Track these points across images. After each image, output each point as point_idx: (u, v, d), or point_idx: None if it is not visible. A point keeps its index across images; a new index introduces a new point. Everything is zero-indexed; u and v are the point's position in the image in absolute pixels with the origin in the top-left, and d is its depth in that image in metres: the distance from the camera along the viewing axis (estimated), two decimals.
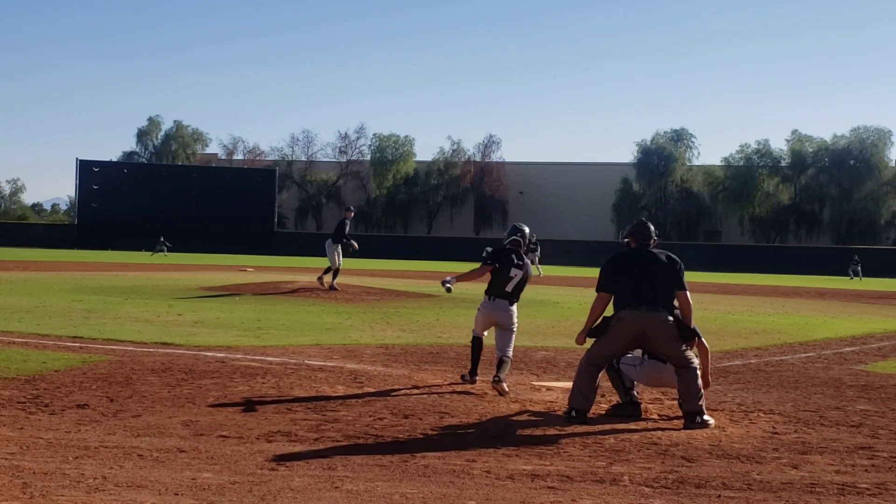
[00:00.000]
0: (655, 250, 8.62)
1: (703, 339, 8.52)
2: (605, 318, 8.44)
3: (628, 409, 8.52)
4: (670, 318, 8.29)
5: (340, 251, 24.36)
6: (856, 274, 58.76)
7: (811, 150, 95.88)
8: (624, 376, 8.63)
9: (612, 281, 8.52)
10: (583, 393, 8.28)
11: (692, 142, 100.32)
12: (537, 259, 44.19)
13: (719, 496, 5.68)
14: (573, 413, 8.18)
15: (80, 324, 14.71)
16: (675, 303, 8.40)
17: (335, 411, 8.14)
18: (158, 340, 12.73)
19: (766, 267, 67.91)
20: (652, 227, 8.74)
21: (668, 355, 8.36)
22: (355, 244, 24.62)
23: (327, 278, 24.14)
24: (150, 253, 61.70)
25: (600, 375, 8.49)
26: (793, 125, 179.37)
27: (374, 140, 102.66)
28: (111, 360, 10.81)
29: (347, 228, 24.68)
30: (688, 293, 8.40)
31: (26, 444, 6.48)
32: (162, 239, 63.41)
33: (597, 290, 8.61)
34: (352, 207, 26.82)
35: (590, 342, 8.57)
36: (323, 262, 26.58)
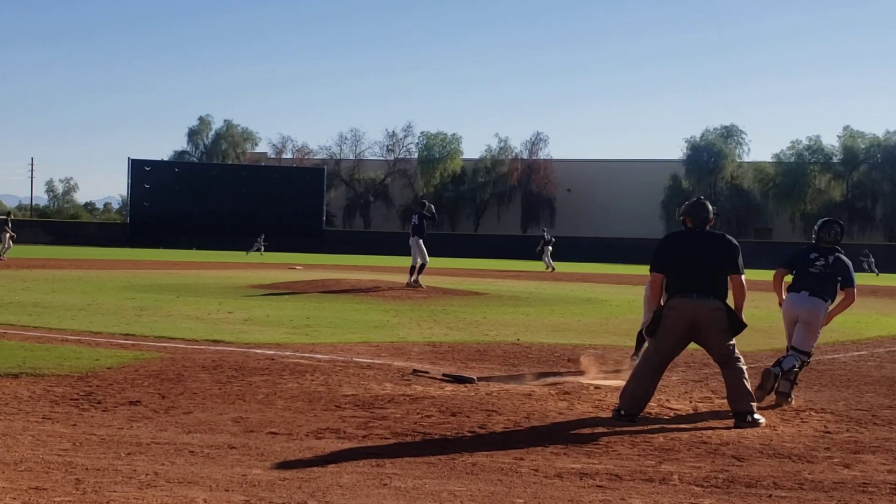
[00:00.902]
0: (713, 231, 8.39)
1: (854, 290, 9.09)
2: (656, 311, 8.25)
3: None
4: (722, 307, 8.08)
5: (423, 246, 24.84)
6: (871, 268, 58.26)
7: (863, 146, 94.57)
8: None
9: (667, 261, 8.26)
10: (635, 395, 8.03)
11: (742, 138, 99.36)
12: (550, 253, 46.86)
13: (770, 496, 5.63)
14: (622, 412, 8.00)
15: (132, 321, 14.88)
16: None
17: (383, 409, 8.17)
18: (209, 338, 12.85)
19: None
20: (711, 207, 8.46)
21: (713, 347, 8.19)
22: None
23: (417, 276, 24.52)
24: (246, 252, 63.08)
25: (663, 376, 8.35)
26: (845, 121, 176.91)
27: (421, 138, 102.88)
28: (163, 357, 10.93)
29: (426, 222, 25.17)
30: (743, 278, 8.18)
31: (79, 441, 6.56)
32: (263, 237, 65.16)
33: (651, 271, 8.40)
34: (426, 202, 27.09)
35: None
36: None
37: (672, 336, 8.15)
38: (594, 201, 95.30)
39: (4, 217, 41.83)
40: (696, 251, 8.17)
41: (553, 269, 44.95)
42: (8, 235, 39.87)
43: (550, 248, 47.26)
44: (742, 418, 7.91)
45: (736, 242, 8.29)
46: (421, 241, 25.00)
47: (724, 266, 8.15)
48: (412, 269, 24.91)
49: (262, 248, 64.75)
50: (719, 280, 8.15)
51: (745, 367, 8.18)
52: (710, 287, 8.06)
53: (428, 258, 25.02)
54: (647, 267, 8.61)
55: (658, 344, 8.22)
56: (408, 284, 24.47)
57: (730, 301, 8.26)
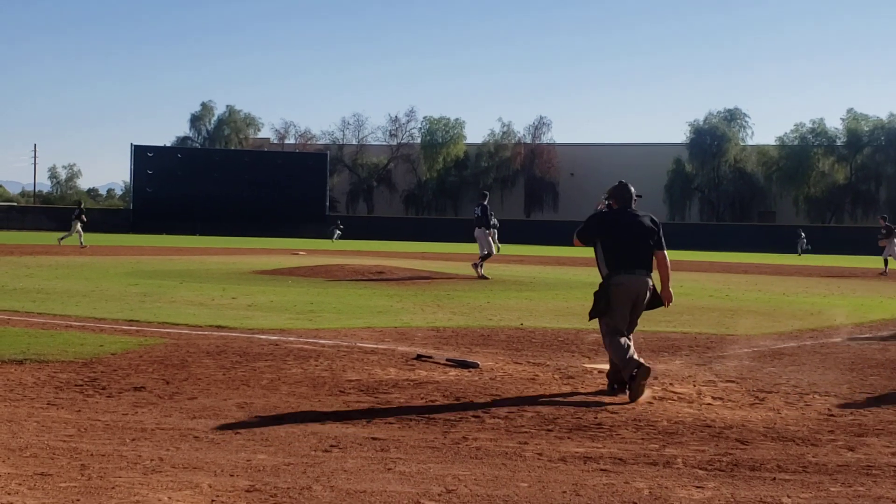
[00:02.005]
0: (639, 212, 8.95)
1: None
2: (600, 288, 8.70)
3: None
4: (651, 283, 8.74)
5: (493, 235, 25.05)
6: (803, 249, 63.42)
7: (867, 128, 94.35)
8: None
9: (595, 235, 8.88)
10: (626, 356, 8.42)
11: (746, 122, 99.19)
12: (496, 235, 49.04)
13: (774, 479, 5.64)
14: (615, 387, 8.55)
15: (136, 307, 14.90)
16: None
17: (387, 394, 8.18)
18: (213, 323, 12.86)
19: (821, 247, 67.10)
20: (633, 189, 8.96)
21: (634, 319, 8.80)
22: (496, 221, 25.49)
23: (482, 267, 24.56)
24: (331, 240, 65.03)
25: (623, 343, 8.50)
26: (848, 104, 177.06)
27: (424, 123, 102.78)
28: (167, 343, 10.94)
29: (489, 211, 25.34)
30: (666, 253, 8.82)
31: (84, 427, 6.58)
32: (338, 222, 67.32)
33: (576, 236, 9.06)
34: (487, 192, 27.20)
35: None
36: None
37: (622, 308, 8.67)
38: (598, 185, 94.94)
39: (77, 207, 42.68)
40: (632, 229, 8.74)
41: (499, 249, 47.18)
42: (80, 224, 40.72)
43: (496, 231, 50.09)
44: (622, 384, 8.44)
45: (658, 221, 8.92)
46: (486, 231, 25.08)
47: (653, 244, 8.75)
48: (482, 258, 24.88)
49: (339, 233, 67.12)
50: (650, 257, 8.77)
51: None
52: (645, 263, 8.71)
53: (494, 247, 25.03)
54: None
55: (613, 318, 8.66)
56: (480, 276, 24.39)
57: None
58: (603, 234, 8.80)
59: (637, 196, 8.99)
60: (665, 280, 8.86)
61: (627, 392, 8.26)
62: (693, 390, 8.75)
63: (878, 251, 36.85)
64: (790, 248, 65.85)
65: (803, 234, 67.01)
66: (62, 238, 41.44)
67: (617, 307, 8.63)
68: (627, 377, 8.30)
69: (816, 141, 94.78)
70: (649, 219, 8.85)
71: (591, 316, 8.84)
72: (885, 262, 34.22)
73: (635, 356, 8.35)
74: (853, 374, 9.98)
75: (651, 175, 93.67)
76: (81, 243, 39.98)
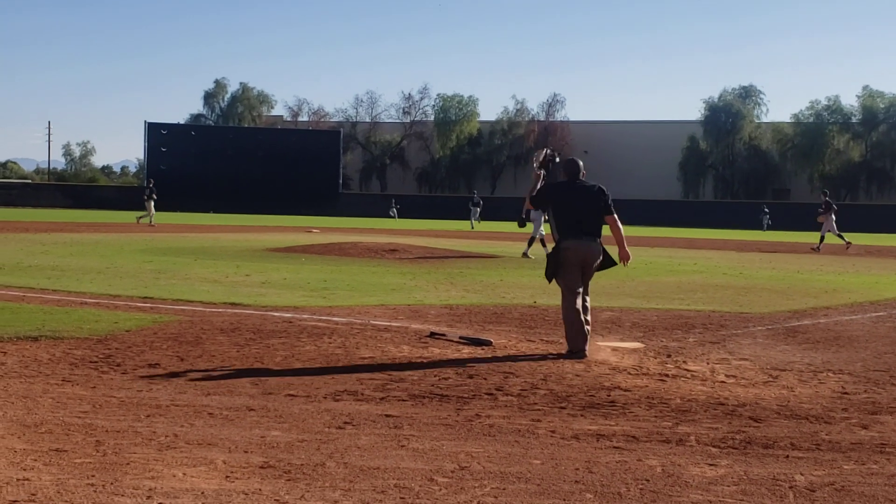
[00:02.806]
0: (587, 183, 9.72)
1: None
2: (553, 252, 9.58)
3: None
4: (601, 247, 9.49)
5: (474, 214, 24.95)
6: (768, 225, 66.59)
7: (883, 105, 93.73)
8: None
9: (547, 200, 9.88)
10: (576, 334, 9.21)
11: (761, 99, 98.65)
12: (478, 214, 54.21)
13: (787, 456, 5.63)
14: (572, 351, 9.18)
15: (150, 284, 14.95)
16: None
17: (401, 371, 8.20)
18: (227, 301, 12.90)
19: (836, 225, 66.63)
20: (581, 164, 9.83)
21: (586, 282, 9.60)
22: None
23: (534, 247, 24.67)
24: (393, 216, 67.47)
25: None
26: (864, 81, 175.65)
27: (437, 100, 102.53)
28: (181, 320, 10.98)
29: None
30: (616, 216, 9.58)
31: (99, 403, 6.61)
32: (394, 200, 69.09)
33: (530, 200, 10.06)
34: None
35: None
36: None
37: (572, 271, 9.44)
38: (611, 163, 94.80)
39: (148, 186, 43.23)
40: (580, 199, 9.55)
41: (472, 227, 50.63)
42: (152, 203, 41.22)
43: (479, 208, 54.57)
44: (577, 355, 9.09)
45: (606, 189, 9.63)
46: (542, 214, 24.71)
47: (602, 210, 9.54)
48: (533, 240, 24.73)
49: (396, 210, 69.14)
50: (600, 223, 9.55)
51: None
52: (594, 230, 9.48)
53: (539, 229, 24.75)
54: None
55: (565, 282, 9.45)
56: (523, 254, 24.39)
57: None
58: (554, 202, 9.70)
59: (584, 171, 9.84)
60: (620, 241, 9.63)
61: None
62: (706, 368, 8.74)
63: (895, 229, 37.37)
64: (805, 225, 65.54)
65: (767, 210, 69.57)
66: (140, 217, 42.00)
67: (567, 269, 9.41)
68: (567, 350, 9.23)
69: (832, 118, 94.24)
70: (597, 188, 9.58)
71: (548, 277, 9.61)
72: (822, 238, 34.63)
73: (581, 339, 9.16)
74: (867, 352, 9.96)
75: (665, 152, 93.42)
76: (151, 222, 40.58)
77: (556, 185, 9.86)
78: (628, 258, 9.64)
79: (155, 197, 42.08)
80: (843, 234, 34.59)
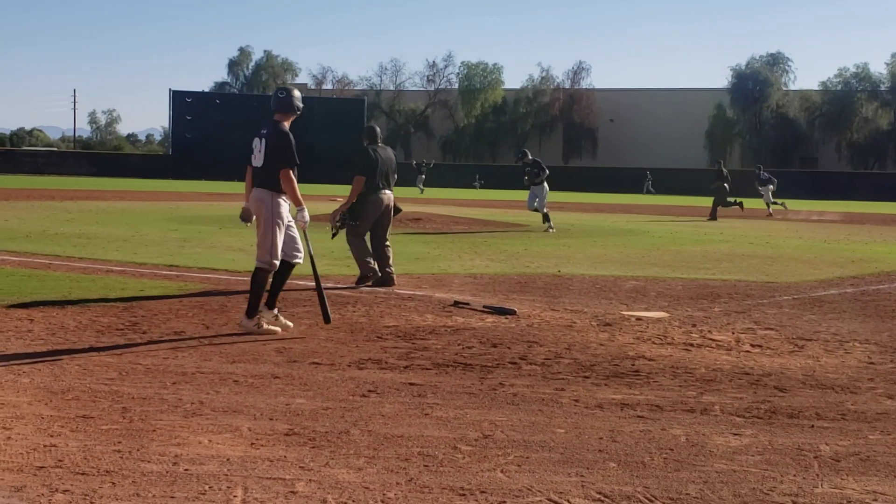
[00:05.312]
0: (386, 146, 12.33)
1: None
2: (355, 204, 11.77)
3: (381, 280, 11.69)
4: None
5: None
6: (648, 191, 69.92)
7: None
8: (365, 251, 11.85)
9: (372, 166, 11.78)
10: (366, 259, 11.68)
11: (788, 66, 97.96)
12: (422, 181, 56.90)
13: (812, 426, 5.61)
14: (368, 275, 11.59)
15: (175, 252, 15.02)
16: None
17: (424, 339, 8.21)
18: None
19: (863, 194, 66.22)
20: (377, 129, 12.41)
21: (386, 226, 11.99)
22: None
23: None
24: (477, 186, 69.56)
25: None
26: (893, 48, 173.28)
27: (462, 68, 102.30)
28: (206, 287, 11.02)
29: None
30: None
31: (125, 370, 6.66)
32: (478, 176, 71.01)
33: (360, 174, 11.76)
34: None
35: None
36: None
37: (370, 219, 11.80)
38: (637, 131, 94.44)
39: (420, 162, 44.75)
40: (386, 159, 12.00)
41: (422, 191, 53.10)
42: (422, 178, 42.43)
43: (424, 175, 57.44)
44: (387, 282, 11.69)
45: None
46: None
47: (394, 170, 12.19)
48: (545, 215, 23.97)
49: (479, 185, 71.57)
50: (394, 178, 12.17)
51: None
52: (391, 184, 12.03)
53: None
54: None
55: (362, 226, 11.80)
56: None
57: None
58: (375, 164, 11.82)
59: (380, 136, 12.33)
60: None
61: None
62: (732, 338, 8.71)
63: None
64: (832, 194, 65.10)
65: (649, 175, 72.39)
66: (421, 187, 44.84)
67: (369, 217, 11.78)
68: (358, 280, 11.71)
69: (860, 86, 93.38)
70: (391, 150, 12.43)
71: (352, 217, 11.82)
72: (768, 205, 37.94)
73: (373, 264, 11.69)
74: (894, 322, 9.89)
75: (691, 120, 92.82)
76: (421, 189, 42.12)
77: (373, 151, 11.92)
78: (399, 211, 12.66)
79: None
80: (779, 201, 38.86)
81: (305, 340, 8.04)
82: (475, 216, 25.29)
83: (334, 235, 12.21)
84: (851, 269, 15.46)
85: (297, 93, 8.97)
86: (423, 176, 57.13)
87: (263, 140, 8.64)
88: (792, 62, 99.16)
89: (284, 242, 8.64)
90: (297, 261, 8.77)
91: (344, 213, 11.86)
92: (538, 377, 6.82)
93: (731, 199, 32.61)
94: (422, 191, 54.78)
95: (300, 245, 8.77)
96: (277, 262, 8.64)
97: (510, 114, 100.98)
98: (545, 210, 23.53)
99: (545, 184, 23.55)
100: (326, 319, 8.54)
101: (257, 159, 8.65)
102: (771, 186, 37.94)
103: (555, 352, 7.80)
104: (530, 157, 24.31)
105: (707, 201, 35.08)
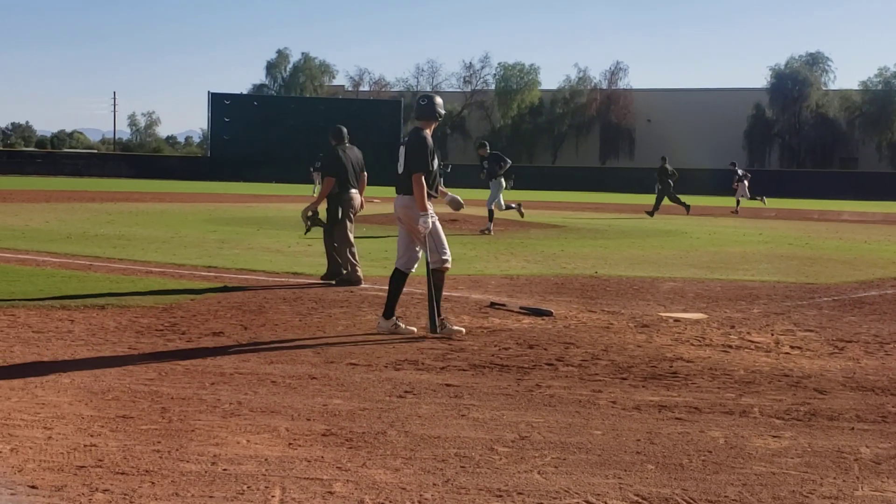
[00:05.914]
0: (354, 146, 12.64)
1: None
2: (332, 201, 12.24)
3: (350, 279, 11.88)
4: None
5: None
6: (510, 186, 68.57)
7: None
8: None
9: (342, 166, 12.33)
10: (348, 258, 12.04)
11: (828, 66, 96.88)
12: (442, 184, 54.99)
13: (853, 429, 5.55)
14: (345, 273, 11.93)
15: (213, 254, 15.12)
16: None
17: (461, 340, 8.21)
18: (289, 270, 13.01)
19: (748, 191, 64.99)
20: (344, 130, 12.92)
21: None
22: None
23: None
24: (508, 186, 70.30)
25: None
26: None
27: (498, 69, 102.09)
28: (244, 289, 11.09)
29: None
30: (365, 175, 12.66)
31: (164, 371, 6.71)
32: (513, 174, 72.66)
33: (329, 175, 12.35)
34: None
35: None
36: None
37: (347, 214, 12.16)
38: (675, 132, 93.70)
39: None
40: (352, 159, 12.37)
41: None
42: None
43: (444, 174, 56.09)
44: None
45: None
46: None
47: (362, 168, 12.53)
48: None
49: (511, 184, 71.85)
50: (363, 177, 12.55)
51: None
52: (361, 183, 12.48)
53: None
54: (730, 199, 8.72)
55: (343, 222, 12.11)
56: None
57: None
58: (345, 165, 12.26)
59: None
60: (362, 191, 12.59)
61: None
62: (771, 339, 8.64)
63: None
64: (872, 195, 64.34)
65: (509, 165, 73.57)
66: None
67: (346, 213, 12.20)
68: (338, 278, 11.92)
69: None
70: (358, 150, 12.64)
71: (344, 215, 12.12)
72: (738, 202, 38.63)
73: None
74: None
75: (730, 120, 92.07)
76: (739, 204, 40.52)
77: (343, 152, 12.39)
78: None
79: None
80: (758, 196, 40.31)
81: (342, 341, 8.06)
82: (511, 217, 25.26)
83: (307, 232, 13.12)
84: (892, 270, 15.29)
85: (438, 99, 9.01)
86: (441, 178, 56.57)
87: (403, 147, 8.73)
88: (832, 62, 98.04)
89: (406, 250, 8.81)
90: (412, 269, 8.92)
91: (315, 212, 12.46)
92: (575, 379, 6.81)
93: (677, 197, 33.48)
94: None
95: (419, 254, 8.85)
96: (449, 258, 8.81)
97: (547, 114, 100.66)
98: (492, 207, 22.81)
99: (502, 179, 23.26)
100: (432, 328, 8.49)
101: (400, 166, 8.71)
102: (746, 182, 38.93)
103: (592, 353, 7.78)
104: (489, 151, 23.97)
105: (724, 202, 34.86)
